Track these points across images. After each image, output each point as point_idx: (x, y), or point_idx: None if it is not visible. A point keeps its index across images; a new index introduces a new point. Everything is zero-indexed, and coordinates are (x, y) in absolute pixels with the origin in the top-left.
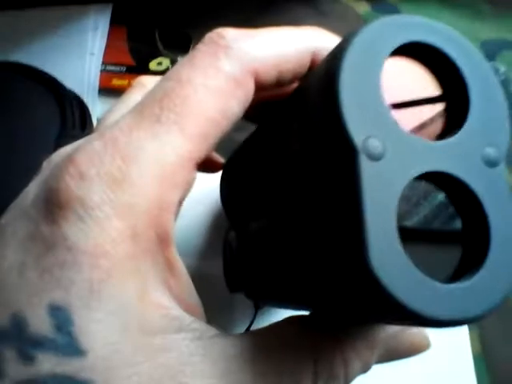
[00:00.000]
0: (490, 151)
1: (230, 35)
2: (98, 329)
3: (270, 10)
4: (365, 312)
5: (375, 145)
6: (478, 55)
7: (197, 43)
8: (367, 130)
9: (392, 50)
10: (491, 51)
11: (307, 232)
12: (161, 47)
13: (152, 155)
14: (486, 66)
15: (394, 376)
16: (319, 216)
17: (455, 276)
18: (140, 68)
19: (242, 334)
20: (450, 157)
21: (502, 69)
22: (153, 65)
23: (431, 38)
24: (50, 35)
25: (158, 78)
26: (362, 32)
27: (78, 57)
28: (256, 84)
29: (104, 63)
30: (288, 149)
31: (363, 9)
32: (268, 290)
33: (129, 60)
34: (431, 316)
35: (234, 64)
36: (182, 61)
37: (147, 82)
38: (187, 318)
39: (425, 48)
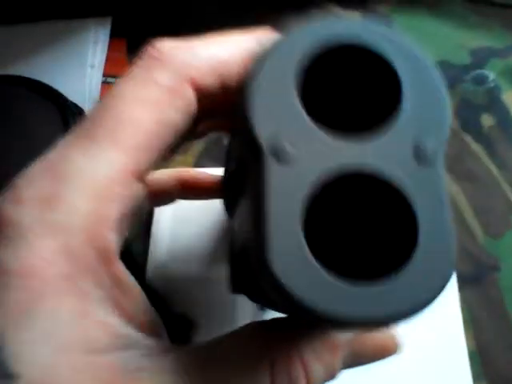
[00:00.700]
0: (423, 149)
1: (165, 46)
2: (31, 351)
3: (260, 22)
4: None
5: (284, 146)
6: (406, 43)
7: None
8: (277, 131)
9: (314, 50)
10: (480, 59)
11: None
12: None
13: (84, 172)
14: (419, 53)
15: (389, 374)
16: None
17: (371, 275)
18: None
19: (197, 346)
20: (374, 154)
21: (492, 76)
22: None
23: (346, 31)
24: (51, 49)
25: None
26: (282, 38)
27: (79, 69)
28: (197, 91)
29: (104, 75)
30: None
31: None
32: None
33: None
34: (336, 315)
35: (168, 74)
36: (122, 77)
37: None
38: (136, 335)
39: (346, 44)
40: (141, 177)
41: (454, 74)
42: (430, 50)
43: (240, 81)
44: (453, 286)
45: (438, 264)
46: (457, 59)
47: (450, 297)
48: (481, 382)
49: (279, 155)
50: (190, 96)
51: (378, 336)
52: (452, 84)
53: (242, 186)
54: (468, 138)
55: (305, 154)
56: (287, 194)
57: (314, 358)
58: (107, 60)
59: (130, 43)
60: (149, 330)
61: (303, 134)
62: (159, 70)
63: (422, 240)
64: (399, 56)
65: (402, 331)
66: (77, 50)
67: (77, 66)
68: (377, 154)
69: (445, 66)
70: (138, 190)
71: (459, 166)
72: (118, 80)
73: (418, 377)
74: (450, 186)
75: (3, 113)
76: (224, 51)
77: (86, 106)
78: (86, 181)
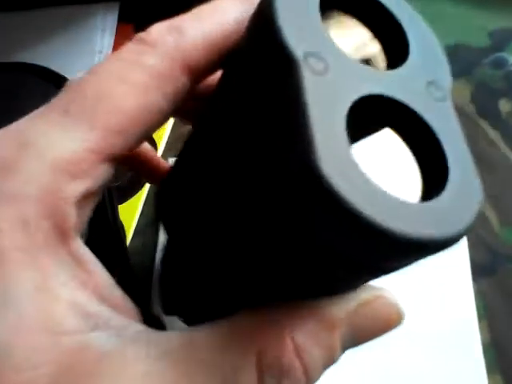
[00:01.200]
0: (435, 87)
1: (156, 30)
2: None
3: None
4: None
5: (316, 61)
6: (409, 7)
7: None
8: (307, 46)
9: None
10: (500, 42)
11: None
12: None
13: (52, 144)
14: (417, 15)
15: (402, 366)
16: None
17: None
18: None
19: (172, 332)
20: (395, 84)
21: (511, 59)
22: None
23: None
24: (59, 35)
25: None
26: None
27: (87, 55)
28: (191, 74)
29: None
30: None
31: None
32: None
33: None
34: (399, 231)
35: (159, 58)
36: (110, 56)
37: None
38: (106, 315)
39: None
40: (113, 158)
41: (471, 57)
42: (447, 33)
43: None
44: (466, 276)
45: (469, 188)
46: (475, 42)
47: (464, 287)
48: (495, 374)
49: (313, 68)
50: (182, 81)
51: (379, 306)
52: (469, 68)
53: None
54: (484, 124)
55: (336, 70)
56: (329, 104)
57: (309, 341)
58: (115, 46)
59: (137, 29)
60: (120, 311)
61: (331, 51)
62: (149, 54)
63: (452, 163)
64: (404, 13)
65: (415, 322)
66: (85, 35)
67: (85, 52)
68: (400, 84)
69: (462, 49)
70: (106, 171)
71: (475, 152)
72: (106, 58)
73: (431, 368)
74: None
75: (11, 99)
76: (216, 23)
77: None
78: (52, 153)
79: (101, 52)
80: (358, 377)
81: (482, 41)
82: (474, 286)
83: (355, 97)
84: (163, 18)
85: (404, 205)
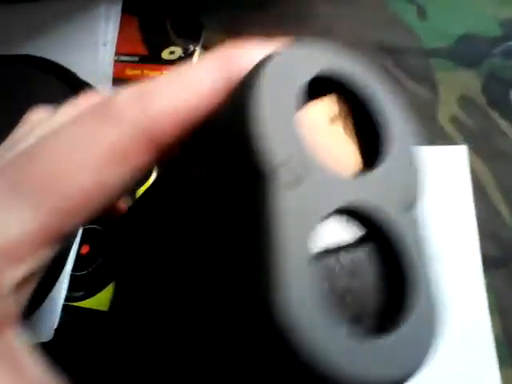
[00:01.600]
0: (404, 195)
1: (123, 98)
2: None
3: None
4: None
5: (288, 174)
6: (394, 97)
7: (209, 31)
8: (280, 159)
9: (310, 78)
10: (511, 31)
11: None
12: (173, 36)
13: None
14: (399, 105)
15: None
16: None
17: (376, 332)
18: (153, 57)
19: None
20: (368, 194)
21: None
22: (165, 54)
23: (346, 69)
24: (63, 27)
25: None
26: (275, 58)
27: (91, 47)
28: (155, 146)
29: (117, 53)
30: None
31: None
32: None
33: (142, 49)
34: (348, 377)
35: (120, 133)
36: (69, 123)
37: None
38: None
39: (343, 81)
40: (58, 239)
41: (481, 47)
42: (457, 22)
43: (225, 107)
44: (477, 270)
45: (430, 316)
46: (486, 31)
47: (475, 281)
48: (507, 368)
49: (284, 182)
50: (145, 158)
51: None
52: (480, 58)
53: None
54: (495, 115)
55: (308, 183)
56: (298, 222)
57: None
58: (119, 38)
59: (142, 21)
60: None
61: (305, 162)
62: (110, 127)
63: (414, 287)
64: (389, 107)
65: None
66: (88, 27)
67: (89, 44)
68: (371, 193)
69: (472, 38)
70: (50, 252)
71: (486, 144)
72: (65, 127)
73: (443, 363)
74: (476, 166)
75: (15, 92)
76: (186, 91)
77: (99, 84)
78: None
79: (105, 44)
80: None
81: (493, 30)
82: (485, 280)
83: (325, 213)
84: (167, 10)
85: (360, 346)
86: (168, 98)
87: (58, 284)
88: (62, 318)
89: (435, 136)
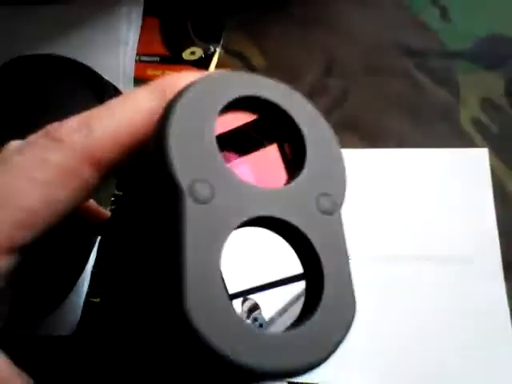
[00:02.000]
0: (325, 200)
1: (66, 126)
2: None
3: None
4: (194, 373)
5: (202, 188)
6: (312, 108)
7: (228, 32)
8: (195, 174)
9: (227, 100)
10: None
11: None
12: (193, 37)
13: None
14: (321, 118)
15: (435, 365)
16: (147, 265)
17: (292, 326)
18: (174, 58)
19: None
20: (283, 203)
21: None
22: (186, 54)
23: (264, 91)
24: (85, 28)
25: None
26: (196, 83)
27: (113, 48)
28: (98, 167)
29: (138, 54)
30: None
31: None
32: None
33: (162, 50)
34: (249, 366)
35: (65, 156)
36: (18, 149)
37: None
38: None
39: (259, 101)
40: (14, 251)
41: (504, 49)
42: (480, 24)
43: (152, 129)
44: (498, 273)
45: (341, 310)
46: (509, 33)
47: (496, 284)
48: None
49: (197, 196)
50: (89, 175)
51: None
52: (502, 60)
53: (144, 228)
54: None
55: (222, 195)
56: (206, 234)
57: None
58: (140, 39)
59: (163, 22)
60: None
61: (220, 176)
62: (55, 151)
63: (327, 285)
64: (303, 117)
65: (447, 322)
66: (111, 29)
67: (111, 45)
68: (286, 202)
69: (495, 40)
70: (10, 261)
71: (507, 147)
72: (16, 151)
73: (466, 366)
74: (497, 169)
75: (40, 91)
76: (124, 118)
77: (121, 84)
78: None
79: (126, 45)
80: (391, 369)
81: None
82: (506, 283)
83: (237, 222)
84: (187, 11)
85: (268, 338)
86: (106, 126)
87: (80, 281)
88: (82, 312)
89: (457, 138)
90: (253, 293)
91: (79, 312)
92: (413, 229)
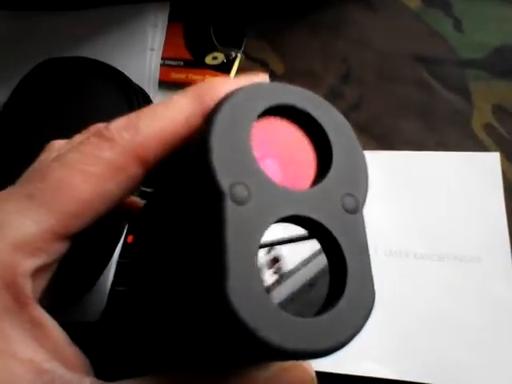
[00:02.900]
0: (349, 200)
1: (115, 127)
2: None
3: (321, 7)
4: (229, 348)
5: (241, 191)
6: (338, 114)
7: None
8: (235, 177)
9: (262, 109)
10: None
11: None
12: (216, 42)
13: (14, 226)
14: (346, 124)
15: (441, 339)
16: (187, 259)
17: (317, 313)
18: (197, 62)
19: (122, 382)
20: (312, 203)
21: None
22: (208, 59)
23: (296, 100)
24: (113, 33)
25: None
26: (234, 95)
27: (139, 52)
28: (144, 164)
29: (163, 58)
30: (173, 200)
31: (415, 3)
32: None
33: (186, 55)
34: (284, 347)
35: (115, 152)
36: (73, 147)
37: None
38: (61, 371)
39: (291, 109)
40: (68, 237)
41: None
42: (492, 33)
43: (196, 133)
44: (509, 276)
45: (362, 302)
46: None
47: (507, 286)
48: None
49: (237, 198)
50: (135, 171)
51: (295, 373)
52: None
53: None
54: None
55: (258, 197)
56: (245, 232)
57: None
58: (165, 43)
59: (186, 27)
60: (74, 367)
61: (256, 179)
62: (106, 149)
63: (350, 277)
64: (330, 121)
65: (456, 319)
66: (137, 33)
67: (137, 49)
68: (314, 201)
69: (509, 49)
70: (61, 248)
71: None
72: (71, 149)
73: (482, 366)
74: (508, 173)
75: (71, 92)
76: (167, 120)
77: (146, 86)
78: (13, 233)
79: (152, 49)
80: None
81: None
82: None
83: (272, 221)
84: (211, 18)
85: (297, 322)
86: (151, 127)
87: (106, 270)
88: (108, 300)
89: (469, 143)
90: (278, 244)
91: (105, 300)
92: (424, 228)
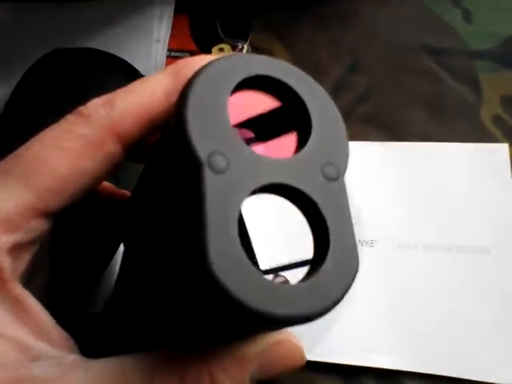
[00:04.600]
0: (330, 168)
1: (92, 104)
2: None
3: None
4: (217, 321)
5: (219, 160)
6: (315, 84)
7: (256, 30)
8: (212, 146)
9: (238, 80)
10: None
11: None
12: (221, 34)
13: None
14: (324, 92)
15: (448, 330)
16: (169, 229)
17: (302, 279)
18: (203, 54)
19: (104, 360)
20: (292, 171)
21: None
22: (215, 51)
23: (272, 70)
24: (119, 24)
25: None
26: (209, 66)
27: (145, 44)
28: (122, 140)
29: (169, 49)
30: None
31: None
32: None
33: (192, 46)
34: (268, 312)
35: (91, 128)
36: (51, 126)
37: None
38: (44, 347)
39: (268, 80)
40: (47, 214)
41: None
42: (503, 24)
43: (168, 108)
44: None
45: (346, 265)
46: None
47: None
48: None
49: (215, 167)
50: (113, 148)
51: (285, 348)
52: None
53: (166, 196)
54: None
55: (237, 166)
56: (224, 200)
57: (222, 374)
58: (171, 35)
59: (192, 19)
60: (59, 346)
61: (234, 148)
62: (82, 125)
63: (332, 243)
64: (307, 91)
65: (465, 310)
66: (143, 25)
67: (143, 41)
68: (294, 169)
69: None
70: (41, 225)
71: None
72: (48, 128)
73: (483, 357)
74: None
75: (77, 84)
76: (144, 95)
77: None
78: None
79: (158, 41)
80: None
81: None
82: None
83: (251, 189)
84: (216, 9)
85: (279, 287)
86: (127, 103)
87: (113, 261)
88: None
89: (477, 134)
90: (283, 270)
91: (110, 291)
92: (433, 219)
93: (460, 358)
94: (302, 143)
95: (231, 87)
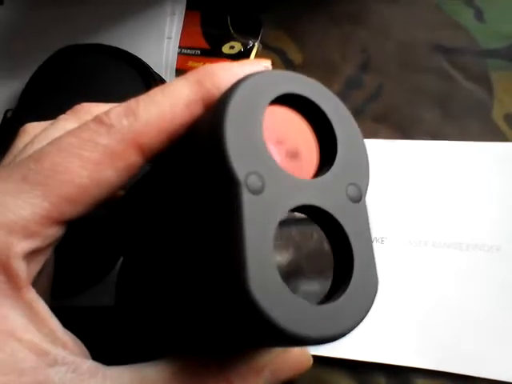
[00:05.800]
0: (353, 189)
1: (114, 113)
2: None
3: None
4: (245, 336)
5: (255, 180)
6: (343, 107)
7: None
8: (249, 167)
9: (272, 98)
10: None
11: (192, 267)
12: (233, 32)
13: (7, 208)
14: (349, 115)
15: (457, 327)
16: (203, 248)
17: (326, 299)
18: (214, 51)
19: (122, 367)
20: (319, 193)
21: None
22: (225, 48)
23: (304, 90)
24: (131, 21)
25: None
26: (245, 82)
27: (157, 41)
28: (143, 151)
29: (180, 46)
30: (178, 187)
31: None
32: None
33: (203, 44)
34: (302, 335)
35: (113, 139)
36: (70, 131)
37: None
38: (61, 352)
39: (300, 99)
40: (63, 222)
41: None
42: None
43: (201, 121)
44: None
45: (368, 287)
46: None
47: None
48: None
49: (251, 187)
50: (134, 158)
51: (293, 354)
52: None
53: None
54: None
55: (272, 186)
56: (261, 221)
57: (239, 381)
58: (183, 32)
59: (204, 16)
60: (71, 349)
61: (269, 168)
62: (105, 135)
63: (356, 264)
64: (335, 113)
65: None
66: (155, 21)
67: (155, 38)
68: (321, 191)
69: None
70: (55, 233)
71: None
72: (68, 133)
73: (493, 355)
74: None
75: (89, 80)
76: (167, 106)
77: (164, 75)
78: (6, 216)
79: (170, 38)
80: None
81: None
82: None
83: (286, 210)
84: (228, 7)
85: (309, 310)
86: (150, 113)
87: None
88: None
89: (489, 133)
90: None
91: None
92: (444, 217)
93: (472, 355)
94: (324, 162)
95: (265, 105)
